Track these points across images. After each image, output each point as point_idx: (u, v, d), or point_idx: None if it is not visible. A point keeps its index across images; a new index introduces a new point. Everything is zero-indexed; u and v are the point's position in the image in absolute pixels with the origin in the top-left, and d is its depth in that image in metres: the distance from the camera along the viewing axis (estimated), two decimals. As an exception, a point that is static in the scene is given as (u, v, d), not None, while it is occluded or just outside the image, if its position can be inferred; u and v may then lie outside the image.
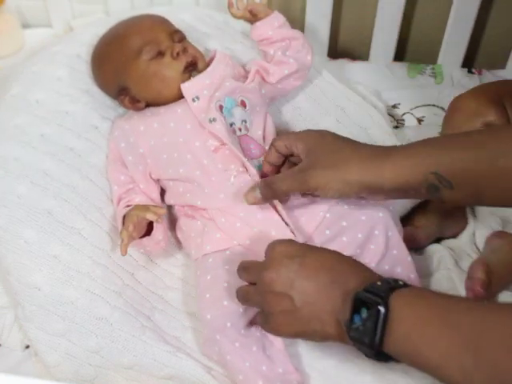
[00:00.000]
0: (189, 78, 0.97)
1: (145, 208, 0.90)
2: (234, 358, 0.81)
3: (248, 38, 1.07)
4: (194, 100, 0.95)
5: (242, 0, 1.03)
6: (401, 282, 0.71)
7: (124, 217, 0.91)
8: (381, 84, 1.22)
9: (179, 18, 1.10)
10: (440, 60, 1.25)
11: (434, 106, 1.19)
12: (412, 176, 0.77)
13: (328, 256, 0.76)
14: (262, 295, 0.76)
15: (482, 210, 1.01)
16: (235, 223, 0.89)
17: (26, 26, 1.25)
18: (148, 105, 1.00)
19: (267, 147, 0.93)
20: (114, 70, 0.99)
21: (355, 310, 0.69)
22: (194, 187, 0.93)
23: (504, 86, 1.00)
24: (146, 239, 0.91)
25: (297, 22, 1.15)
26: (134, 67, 0.97)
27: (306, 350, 0.88)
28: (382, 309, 0.66)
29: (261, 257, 0.81)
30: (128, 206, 0.93)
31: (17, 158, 0.93)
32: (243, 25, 1.10)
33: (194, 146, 0.93)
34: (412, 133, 1.16)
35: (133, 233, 0.88)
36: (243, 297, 0.81)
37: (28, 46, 1.23)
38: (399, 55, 1.28)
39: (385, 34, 1.19)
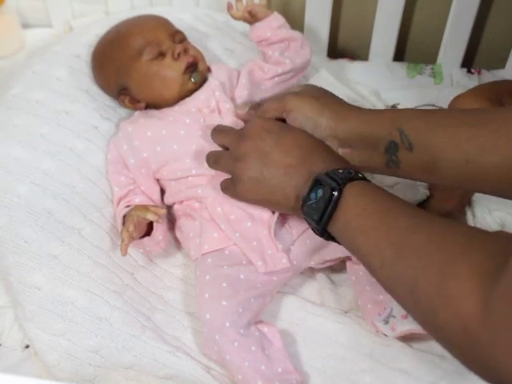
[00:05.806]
0: (189, 78, 0.97)
1: (145, 208, 0.90)
2: (233, 358, 0.82)
3: (248, 38, 1.07)
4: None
5: (241, 1, 1.03)
6: (360, 175, 0.74)
7: (124, 217, 0.91)
8: (380, 84, 1.22)
9: (179, 18, 1.10)
10: (439, 60, 1.25)
11: (433, 105, 1.18)
12: (377, 128, 0.80)
13: (303, 136, 0.80)
14: (235, 160, 0.81)
15: (482, 210, 1.01)
16: (230, 215, 0.90)
17: (26, 25, 1.25)
18: (148, 105, 1.01)
19: None
20: (114, 69, 0.99)
21: (313, 189, 0.74)
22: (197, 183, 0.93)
23: (503, 85, 1.00)
24: (146, 239, 0.91)
25: (296, 22, 1.15)
26: (135, 67, 0.97)
27: (305, 349, 0.88)
28: (335, 193, 0.71)
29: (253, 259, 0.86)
30: (128, 206, 0.93)
31: (17, 158, 0.94)
32: (243, 25, 1.10)
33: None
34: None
35: (133, 233, 0.88)
36: (214, 160, 0.85)
37: (28, 45, 1.22)
38: (399, 55, 1.28)
39: (384, 34, 1.20)
